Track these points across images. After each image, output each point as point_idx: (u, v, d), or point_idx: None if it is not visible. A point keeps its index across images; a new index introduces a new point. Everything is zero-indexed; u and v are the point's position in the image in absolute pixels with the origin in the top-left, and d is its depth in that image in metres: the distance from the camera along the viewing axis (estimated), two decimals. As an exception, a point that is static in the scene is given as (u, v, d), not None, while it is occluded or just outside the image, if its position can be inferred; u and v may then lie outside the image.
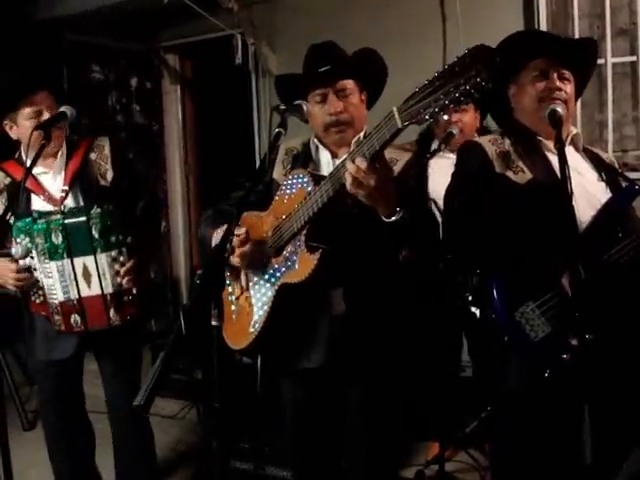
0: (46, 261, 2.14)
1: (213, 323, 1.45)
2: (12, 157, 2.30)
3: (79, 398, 2.41)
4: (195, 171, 5.18)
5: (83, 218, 2.12)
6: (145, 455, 2.50)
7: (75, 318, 2.17)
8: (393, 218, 1.53)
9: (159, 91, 4.99)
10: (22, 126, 2.19)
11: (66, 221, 2.12)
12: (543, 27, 3.37)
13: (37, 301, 2.20)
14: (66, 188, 2.21)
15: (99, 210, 2.13)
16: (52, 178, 2.25)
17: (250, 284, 1.81)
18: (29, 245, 2.13)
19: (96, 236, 2.13)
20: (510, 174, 1.80)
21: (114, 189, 2.26)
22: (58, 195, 2.21)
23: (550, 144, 1.80)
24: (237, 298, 1.85)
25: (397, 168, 1.77)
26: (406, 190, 1.60)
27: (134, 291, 2.20)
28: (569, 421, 1.66)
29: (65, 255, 2.13)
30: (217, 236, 1.77)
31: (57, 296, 2.16)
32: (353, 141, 1.79)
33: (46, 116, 2.16)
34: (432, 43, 3.62)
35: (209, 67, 4.99)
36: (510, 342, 1.75)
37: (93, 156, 2.29)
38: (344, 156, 1.54)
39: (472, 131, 2.74)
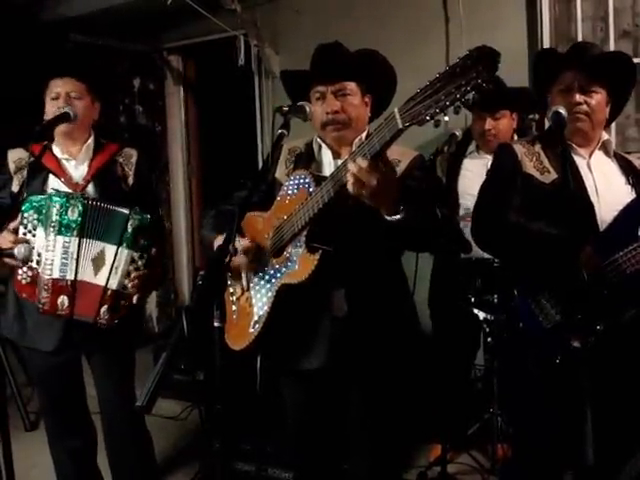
0: (52, 234, 2.10)
1: (215, 324, 1.45)
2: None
3: (81, 399, 2.40)
4: (198, 172, 5.17)
5: (126, 211, 2.13)
6: (142, 456, 2.47)
7: (63, 299, 2.10)
8: (396, 217, 1.53)
9: (162, 92, 4.99)
10: (47, 104, 2.21)
11: (102, 205, 2.12)
12: (546, 29, 3.37)
13: (23, 282, 2.13)
14: (89, 178, 2.23)
15: (140, 211, 2.14)
16: (75, 166, 2.25)
17: (251, 284, 1.80)
18: (35, 222, 2.10)
19: (129, 230, 2.12)
20: (537, 174, 1.91)
21: (131, 195, 2.26)
22: (80, 181, 2.22)
23: (579, 150, 1.94)
24: (238, 298, 1.85)
25: (400, 169, 1.77)
26: (408, 191, 1.60)
27: (134, 300, 2.15)
28: (572, 422, 1.67)
29: (75, 233, 2.10)
30: (220, 237, 1.77)
31: (52, 272, 2.09)
32: (355, 142, 1.79)
33: (61, 103, 2.15)
34: (435, 44, 3.62)
35: (212, 68, 4.99)
36: (524, 328, 1.88)
37: (120, 159, 2.31)
38: (346, 157, 1.54)
39: (507, 136, 2.81)
